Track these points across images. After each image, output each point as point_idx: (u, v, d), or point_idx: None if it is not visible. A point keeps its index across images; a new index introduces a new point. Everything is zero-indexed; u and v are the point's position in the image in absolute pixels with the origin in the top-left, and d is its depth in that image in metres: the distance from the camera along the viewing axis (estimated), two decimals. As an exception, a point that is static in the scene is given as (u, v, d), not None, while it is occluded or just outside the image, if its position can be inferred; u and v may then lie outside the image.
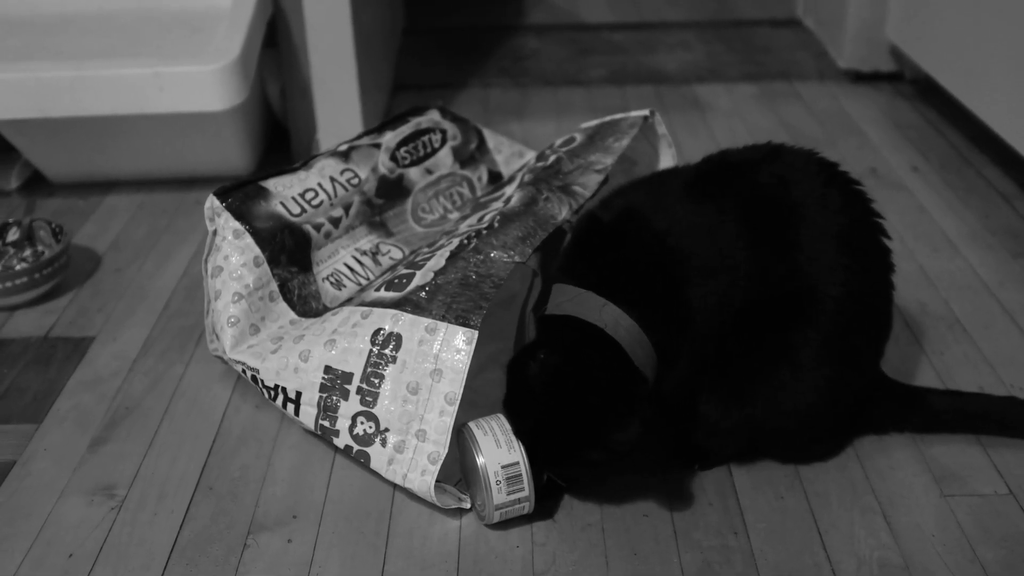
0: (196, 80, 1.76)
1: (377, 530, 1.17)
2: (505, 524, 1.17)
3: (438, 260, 1.25)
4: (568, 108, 2.34)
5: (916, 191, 1.92)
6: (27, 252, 1.68)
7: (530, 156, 1.70)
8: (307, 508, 1.21)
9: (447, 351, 1.15)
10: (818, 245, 1.15)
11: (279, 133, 2.14)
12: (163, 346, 1.50)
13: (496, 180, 1.65)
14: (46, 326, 1.56)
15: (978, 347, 1.46)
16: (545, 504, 1.18)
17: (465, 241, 1.28)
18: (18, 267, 1.63)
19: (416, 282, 1.23)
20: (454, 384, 1.15)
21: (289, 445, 1.30)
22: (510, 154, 1.69)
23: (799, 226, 1.16)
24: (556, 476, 1.19)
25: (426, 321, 1.17)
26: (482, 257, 1.24)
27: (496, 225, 1.29)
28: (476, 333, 1.16)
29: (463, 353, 1.15)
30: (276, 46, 2.02)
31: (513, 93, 2.44)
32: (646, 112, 1.49)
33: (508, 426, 1.14)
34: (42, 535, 1.17)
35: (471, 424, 1.15)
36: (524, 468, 1.12)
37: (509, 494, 1.12)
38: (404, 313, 1.19)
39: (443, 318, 1.17)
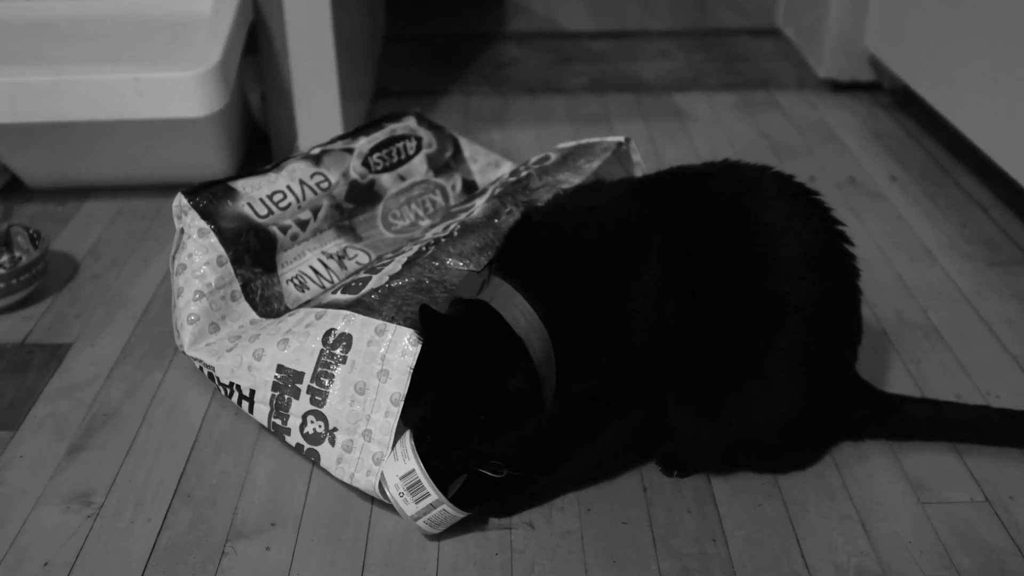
0: (176, 86, 1.75)
1: (356, 537, 1.17)
2: (484, 531, 1.17)
3: (395, 265, 1.27)
4: (549, 116, 2.35)
5: (894, 200, 1.93)
6: (4, 258, 1.67)
7: (507, 167, 1.70)
8: (286, 515, 1.20)
9: (394, 352, 1.16)
10: (777, 256, 1.15)
11: (259, 139, 2.13)
12: (141, 352, 1.49)
13: (471, 189, 1.66)
14: (23, 332, 1.55)
15: (955, 355, 1.47)
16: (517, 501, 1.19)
17: (424, 248, 1.29)
18: (-5, 273, 1.62)
19: (371, 285, 1.24)
20: (399, 385, 1.15)
21: (268, 452, 1.30)
22: (486, 164, 1.70)
23: (755, 238, 1.16)
24: (480, 466, 1.15)
25: (376, 322, 1.18)
26: (437, 264, 1.26)
27: (455, 234, 1.31)
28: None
29: (409, 355, 1.15)
30: (257, 52, 2.01)
31: (494, 100, 2.44)
32: (621, 138, 1.49)
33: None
34: (17, 543, 1.16)
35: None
36: (421, 473, 1.10)
37: (417, 502, 1.11)
38: (356, 314, 1.20)
39: (392, 320, 1.18)
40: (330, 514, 1.20)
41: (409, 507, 1.12)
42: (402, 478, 1.11)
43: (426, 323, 1.11)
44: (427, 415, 1.11)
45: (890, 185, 1.99)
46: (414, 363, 1.14)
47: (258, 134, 2.14)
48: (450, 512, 1.12)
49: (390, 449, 1.15)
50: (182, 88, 1.75)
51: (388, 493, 1.13)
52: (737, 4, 3.16)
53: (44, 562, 1.14)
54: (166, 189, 1.96)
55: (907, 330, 1.53)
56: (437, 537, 1.17)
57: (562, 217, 1.20)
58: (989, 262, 1.71)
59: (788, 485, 1.24)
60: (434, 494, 1.10)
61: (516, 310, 1.10)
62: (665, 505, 1.21)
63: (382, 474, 1.14)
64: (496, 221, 1.34)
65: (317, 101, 2.00)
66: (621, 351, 1.14)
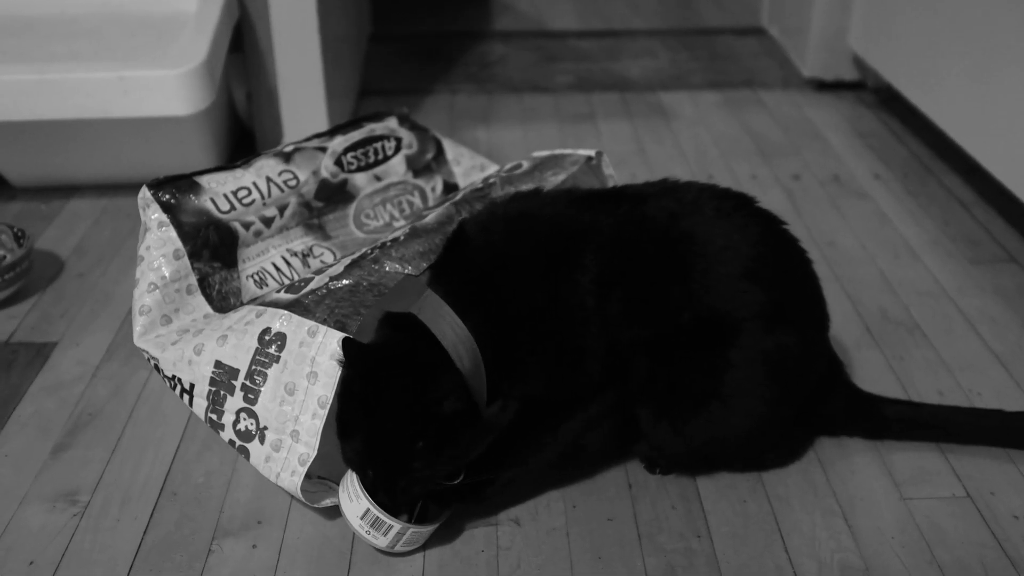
0: (161, 84, 1.75)
1: (343, 535, 1.17)
2: (470, 528, 1.17)
3: (339, 267, 1.27)
4: (534, 114, 2.35)
5: (878, 198, 1.94)
6: (-12, 256, 1.67)
7: (492, 170, 1.69)
8: (272, 513, 1.20)
9: (323, 355, 1.15)
10: (716, 274, 1.15)
11: (245, 138, 2.13)
12: (126, 351, 1.49)
13: (452, 191, 1.64)
14: (7, 331, 1.54)
15: (938, 352, 1.48)
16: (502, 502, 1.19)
17: (369, 251, 1.28)
18: (-21, 272, 1.61)
19: (312, 286, 1.24)
20: (327, 388, 1.14)
21: (254, 450, 1.30)
22: (470, 166, 1.68)
23: (694, 259, 1.15)
24: (431, 487, 1.14)
25: (309, 323, 1.18)
26: (377, 267, 1.25)
27: (402, 238, 1.30)
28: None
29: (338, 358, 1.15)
30: (242, 50, 2.01)
31: (480, 99, 2.45)
32: (591, 152, 1.47)
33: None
34: (2, 542, 1.16)
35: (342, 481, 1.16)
36: (376, 510, 1.10)
37: (385, 534, 1.11)
38: (292, 315, 1.20)
39: (324, 322, 1.17)
40: (316, 512, 1.20)
41: (380, 541, 1.12)
42: (361, 518, 1.11)
43: (349, 356, 1.09)
44: (361, 450, 1.09)
45: (874, 184, 2.01)
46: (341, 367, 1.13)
47: (244, 132, 2.14)
48: (422, 530, 1.13)
49: (315, 451, 1.14)
50: (167, 86, 1.75)
51: (355, 532, 1.12)
52: (722, 3, 3.17)
53: (29, 561, 1.14)
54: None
55: (890, 328, 1.54)
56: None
57: (494, 223, 1.19)
58: (971, 260, 1.72)
59: (772, 482, 1.25)
60: (397, 524, 1.10)
61: (443, 321, 1.09)
62: (650, 502, 1.22)
63: (344, 515, 1.13)
64: (448, 227, 1.31)
65: (303, 99, 2.00)
66: (559, 352, 1.14)
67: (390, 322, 1.14)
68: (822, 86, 2.49)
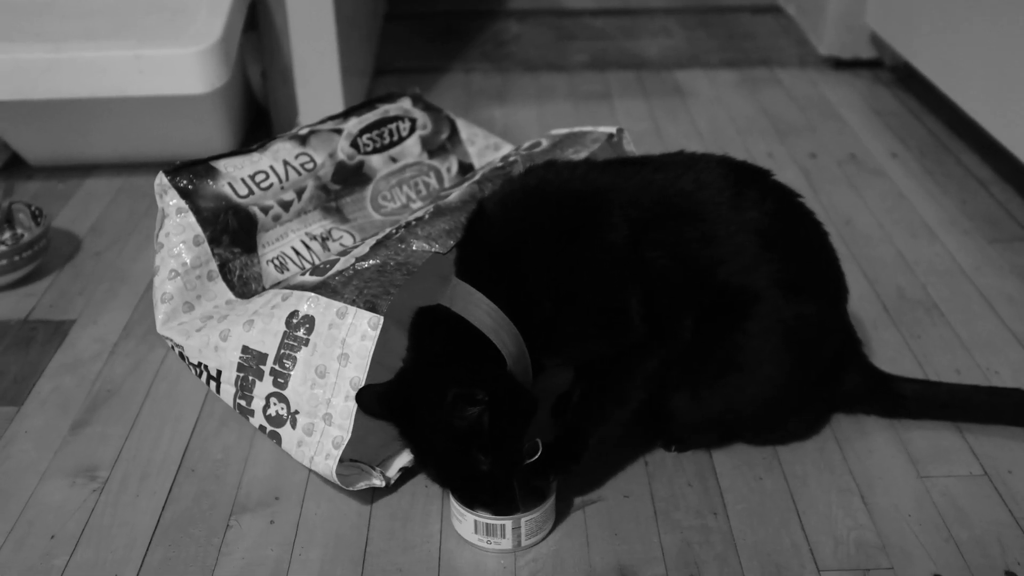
0: (177, 63, 1.75)
1: (359, 511, 1.18)
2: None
3: (364, 247, 1.26)
4: (550, 93, 2.34)
5: (895, 177, 1.93)
6: (6, 235, 1.67)
7: (506, 149, 1.68)
8: (289, 489, 1.21)
9: (353, 336, 1.15)
10: (734, 246, 1.14)
11: (260, 116, 2.13)
12: (144, 329, 1.50)
13: (467, 172, 1.63)
14: (26, 309, 1.55)
15: (955, 331, 1.47)
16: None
17: (394, 231, 1.27)
18: (-3, 250, 1.62)
19: (338, 267, 1.23)
20: (359, 369, 1.14)
21: (271, 427, 1.30)
22: (484, 146, 1.67)
23: (711, 230, 1.14)
24: (516, 468, 1.13)
25: (337, 305, 1.17)
26: (404, 246, 1.25)
27: (427, 217, 1.29)
28: (382, 319, 1.15)
29: (369, 339, 1.15)
30: (257, 29, 2.01)
31: (495, 78, 2.44)
32: (612, 129, 1.46)
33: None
34: (24, 516, 1.17)
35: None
36: (482, 519, 1.10)
37: (503, 536, 1.10)
38: (320, 296, 1.19)
39: (353, 303, 1.17)
40: (333, 488, 1.21)
41: (504, 543, 1.11)
42: (475, 532, 1.11)
43: (383, 403, 1.09)
44: (437, 471, 1.10)
45: (891, 162, 1.99)
46: (373, 347, 1.13)
47: (259, 111, 2.14)
48: (534, 516, 1.11)
49: (350, 433, 1.14)
50: (183, 65, 1.75)
51: (483, 550, 1.12)
52: (738, -19, 3.14)
53: (51, 535, 1.15)
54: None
55: (907, 306, 1.53)
56: (439, 510, 1.17)
57: (512, 198, 1.18)
58: (989, 239, 1.71)
59: (789, 459, 1.25)
60: (507, 520, 1.10)
61: (479, 310, 1.08)
62: (666, 479, 1.22)
63: (464, 539, 1.13)
64: (472, 206, 1.28)
65: (318, 78, 2.00)
66: (600, 314, 1.12)
67: (420, 328, 1.11)
68: (839, 64, 2.47)
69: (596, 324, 1.12)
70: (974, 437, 1.27)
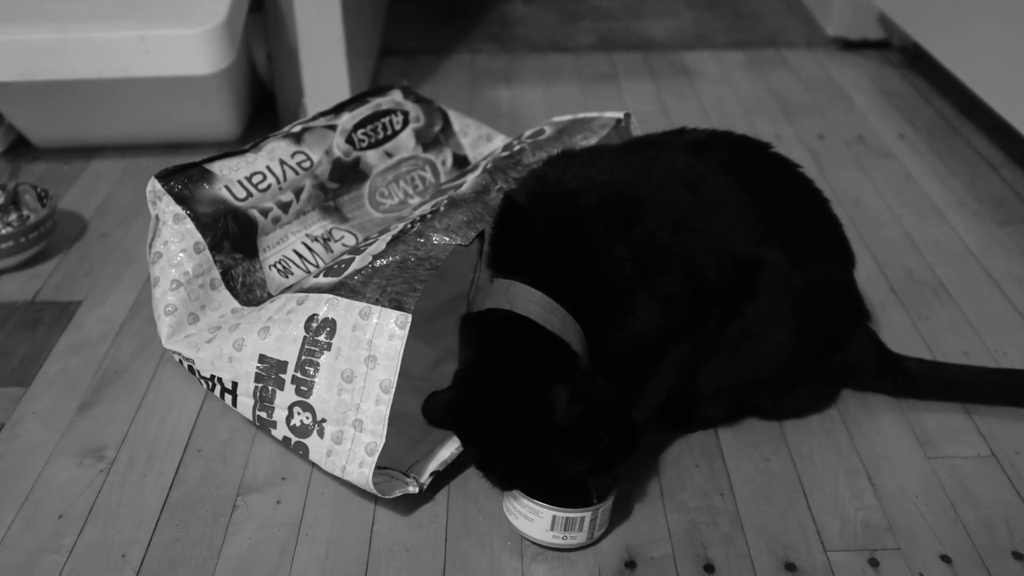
0: (182, 43, 1.74)
1: (366, 492, 1.18)
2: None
3: (379, 244, 1.21)
4: (556, 74, 2.33)
5: (903, 158, 1.92)
6: (12, 216, 1.68)
7: (499, 140, 1.65)
8: (296, 470, 1.21)
9: (380, 337, 1.10)
10: (739, 212, 1.15)
11: (266, 98, 2.12)
12: (150, 310, 1.49)
13: (462, 164, 1.60)
14: (33, 290, 1.55)
15: (963, 312, 1.47)
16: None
17: (409, 225, 1.22)
18: (3, 231, 1.62)
19: (354, 266, 1.18)
20: (388, 371, 1.10)
21: (278, 408, 1.30)
22: (477, 137, 1.64)
23: (717, 198, 1.15)
24: (589, 476, 1.12)
25: (360, 305, 1.12)
26: (423, 240, 1.19)
27: (442, 209, 1.24)
28: (409, 317, 1.10)
29: (397, 338, 1.10)
30: (263, 10, 2.00)
31: (501, 59, 2.43)
32: (620, 114, 1.44)
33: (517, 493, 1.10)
34: (32, 496, 1.18)
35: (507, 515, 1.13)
36: (560, 512, 1.08)
37: (580, 529, 1.09)
38: (339, 298, 1.14)
39: (377, 302, 1.12)
40: (340, 469, 1.21)
41: (580, 537, 1.09)
42: (551, 529, 1.08)
43: (450, 411, 1.06)
44: (509, 477, 1.08)
45: (899, 143, 1.98)
46: (402, 347, 1.09)
47: (264, 93, 2.13)
48: (607, 504, 1.10)
49: (383, 439, 1.10)
50: (189, 46, 1.74)
51: (556, 547, 1.10)
52: (746, -38, 3.12)
53: (59, 515, 1.15)
54: (173, 148, 1.95)
55: (915, 288, 1.53)
56: (447, 490, 1.17)
57: (544, 188, 1.15)
58: (998, 220, 1.71)
59: (795, 440, 1.24)
60: (586, 512, 1.08)
61: (543, 310, 1.06)
62: (673, 460, 1.22)
63: (530, 540, 1.10)
64: (487, 197, 1.28)
65: (323, 60, 1.99)
66: (667, 299, 1.11)
67: (479, 333, 1.09)
68: (847, 45, 2.45)
69: (663, 315, 1.11)
70: (981, 418, 1.27)
